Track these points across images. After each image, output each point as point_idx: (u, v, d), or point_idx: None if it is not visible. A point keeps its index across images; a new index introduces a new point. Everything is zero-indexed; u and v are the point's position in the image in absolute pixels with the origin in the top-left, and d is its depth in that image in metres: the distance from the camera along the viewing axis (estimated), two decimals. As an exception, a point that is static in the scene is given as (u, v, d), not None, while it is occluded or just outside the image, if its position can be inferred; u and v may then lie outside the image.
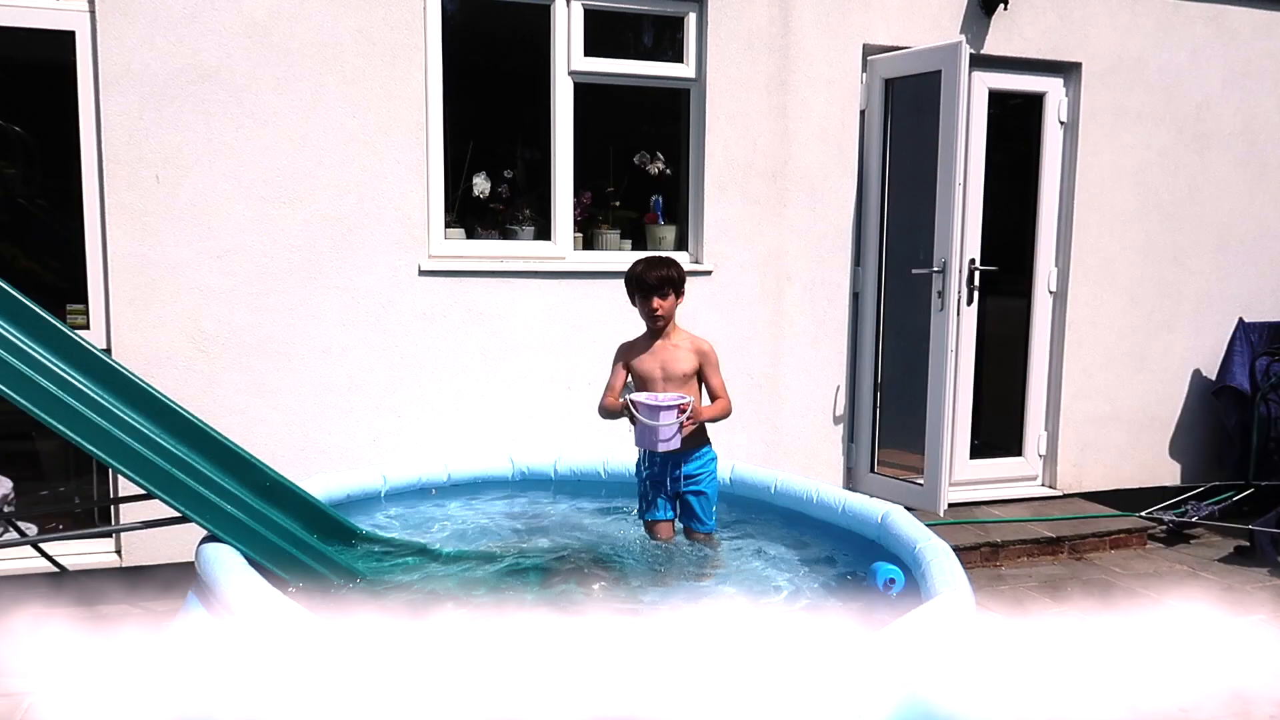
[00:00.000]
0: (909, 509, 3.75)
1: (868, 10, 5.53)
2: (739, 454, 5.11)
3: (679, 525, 3.91)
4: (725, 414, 3.81)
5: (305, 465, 4.62)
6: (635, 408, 3.61)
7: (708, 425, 3.87)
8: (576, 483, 4.62)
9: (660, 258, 3.79)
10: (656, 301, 3.71)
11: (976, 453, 6.15)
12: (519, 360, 5.10)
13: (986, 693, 2.71)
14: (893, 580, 3.22)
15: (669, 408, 3.57)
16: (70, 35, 4.39)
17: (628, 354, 3.87)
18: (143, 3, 4.38)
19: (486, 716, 2.25)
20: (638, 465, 3.93)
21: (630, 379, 3.88)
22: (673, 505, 3.88)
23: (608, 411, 3.82)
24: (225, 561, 3.02)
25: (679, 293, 3.78)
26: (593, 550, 3.85)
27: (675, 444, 3.63)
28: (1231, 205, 6.42)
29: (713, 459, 3.91)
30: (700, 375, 3.82)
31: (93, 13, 4.37)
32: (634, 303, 3.81)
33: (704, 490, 3.85)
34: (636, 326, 3.88)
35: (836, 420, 5.75)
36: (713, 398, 3.84)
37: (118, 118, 4.40)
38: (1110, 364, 6.27)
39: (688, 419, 3.61)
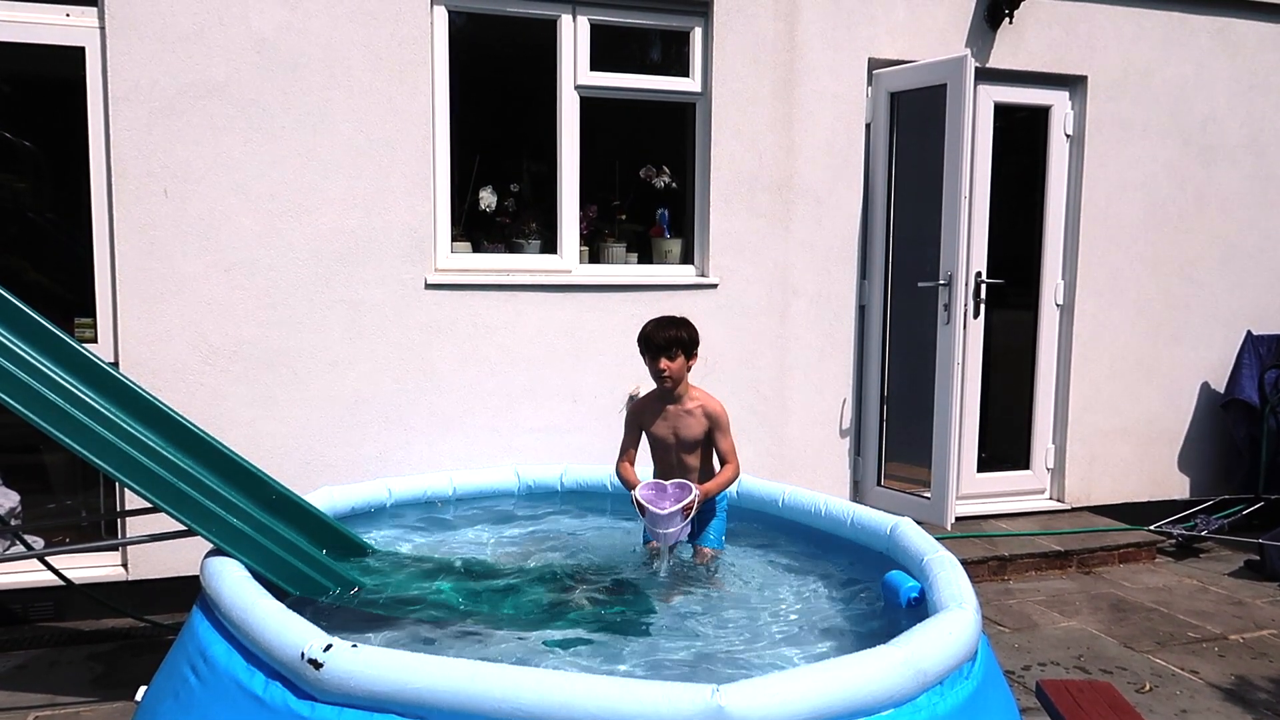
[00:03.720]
0: (917, 521, 3.73)
1: (873, 24, 5.54)
2: (746, 467, 5.07)
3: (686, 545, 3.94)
4: (732, 480, 3.87)
5: (311, 479, 4.62)
6: (642, 511, 3.65)
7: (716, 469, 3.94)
8: (582, 497, 4.61)
9: (672, 318, 3.80)
10: (664, 362, 3.71)
11: (984, 466, 6.12)
12: (525, 373, 5.10)
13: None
14: (914, 598, 3.19)
15: (672, 513, 3.58)
16: (80, 51, 4.42)
17: (641, 416, 3.93)
18: (152, 19, 4.41)
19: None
20: None
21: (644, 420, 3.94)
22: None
23: (623, 482, 3.88)
24: (231, 574, 3.02)
25: (689, 355, 3.77)
26: (597, 565, 3.85)
27: (683, 536, 3.70)
28: (1239, 218, 6.41)
29: (723, 496, 3.97)
30: (710, 437, 3.84)
31: (103, 29, 4.40)
32: (644, 360, 3.81)
33: (716, 514, 3.94)
34: (642, 340, 3.87)
35: (843, 433, 5.74)
36: (721, 460, 3.88)
37: (126, 132, 4.43)
38: (1118, 377, 6.25)
39: (695, 512, 3.65)
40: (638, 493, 3.66)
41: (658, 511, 3.59)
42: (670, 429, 3.83)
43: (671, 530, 3.59)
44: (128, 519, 4.43)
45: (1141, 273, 6.22)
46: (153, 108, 4.45)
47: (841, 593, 3.60)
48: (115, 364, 4.42)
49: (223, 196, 4.57)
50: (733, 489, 4.23)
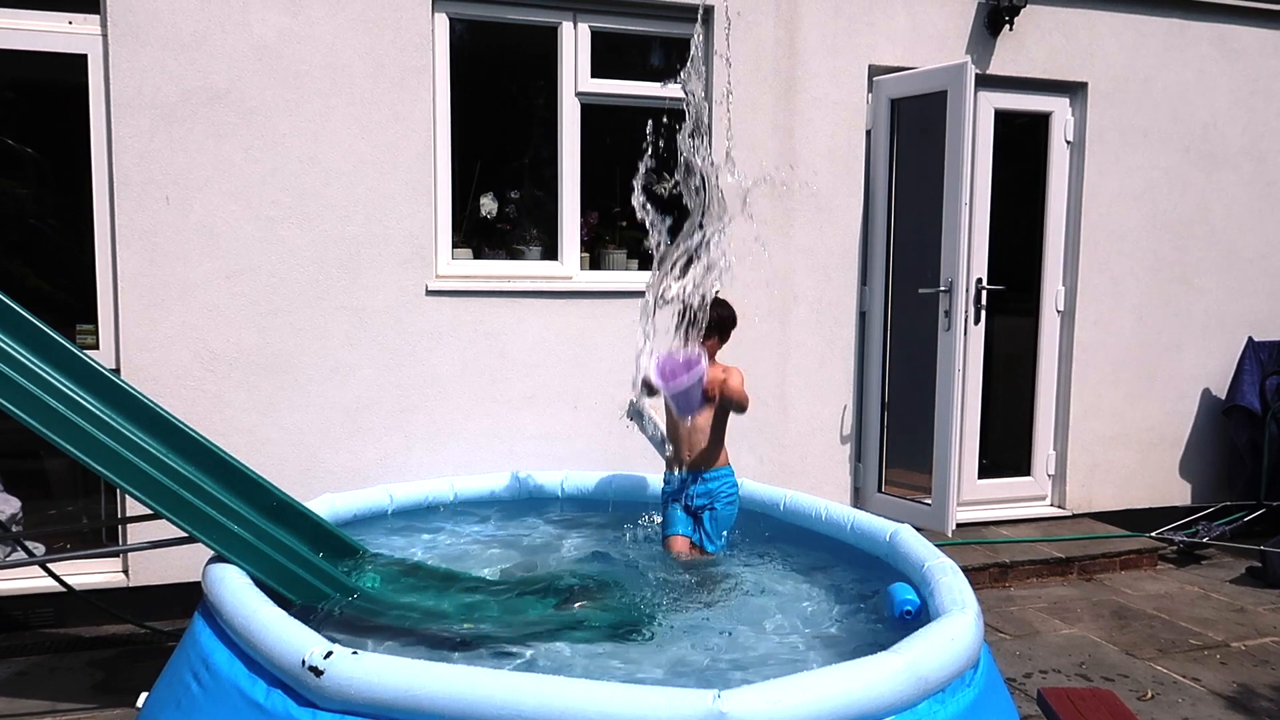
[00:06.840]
0: (917, 528, 3.73)
1: (873, 31, 5.55)
2: (746, 473, 5.07)
3: (695, 542, 3.98)
4: (743, 391, 3.89)
5: (312, 485, 4.62)
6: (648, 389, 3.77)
7: (728, 450, 3.98)
8: (583, 503, 4.61)
9: (719, 299, 4.01)
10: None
11: (985, 472, 6.12)
12: (526, 380, 5.11)
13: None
14: (909, 611, 3.18)
15: (680, 377, 3.70)
16: (83, 58, 4.43)
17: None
18: (154, 26, 4.42)
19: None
20: (664, 483, 4.06)
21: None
22: (690, 521, 3.96)
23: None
24: (231, 581, 3.02)
25: (721, 337, 3.98)
26: (598, 571, 3.84)
27: (694, 406, 3.77)
28: (1240, 224, 6.41)
29: (731, 482, 4.01)
30: (722, 399, 3.89)
31: (105, 36, 4.41)
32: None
33: (715, 508, 3.93)
34: (643, 347, 3.88)
35: (844, 440, 5.74)
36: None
37: (128, 139, 4.44)
38: (1119, 383, 6.24)
39: (706, 379, 3.73)
40: (649, 363, 3.75)
41: (669, 380, 3.67)
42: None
43: (682, 386, 3.67)
44: (128, 525, 4.43)
45: (1142, 279, 6.22)
46: (155, 114, 4.46)
47: (842, 599, 3.59)
48: (116, 370, 4.43)
49: (224, 203, 4.58)
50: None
